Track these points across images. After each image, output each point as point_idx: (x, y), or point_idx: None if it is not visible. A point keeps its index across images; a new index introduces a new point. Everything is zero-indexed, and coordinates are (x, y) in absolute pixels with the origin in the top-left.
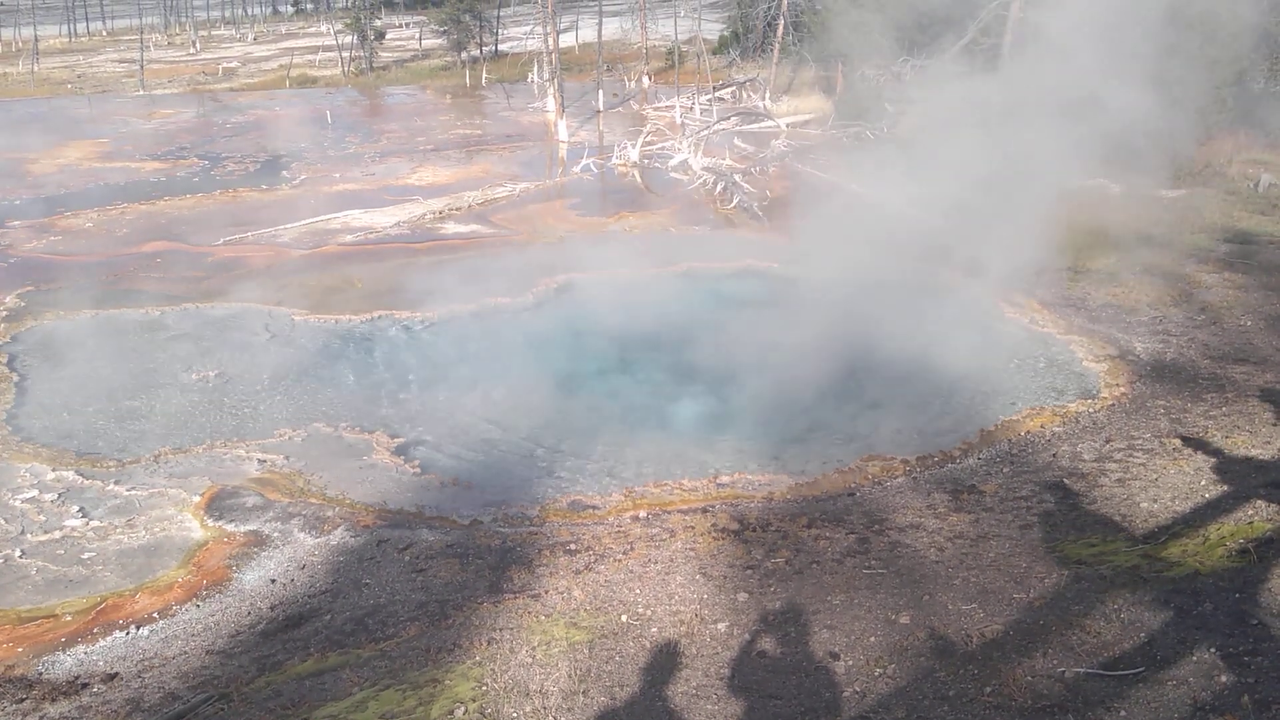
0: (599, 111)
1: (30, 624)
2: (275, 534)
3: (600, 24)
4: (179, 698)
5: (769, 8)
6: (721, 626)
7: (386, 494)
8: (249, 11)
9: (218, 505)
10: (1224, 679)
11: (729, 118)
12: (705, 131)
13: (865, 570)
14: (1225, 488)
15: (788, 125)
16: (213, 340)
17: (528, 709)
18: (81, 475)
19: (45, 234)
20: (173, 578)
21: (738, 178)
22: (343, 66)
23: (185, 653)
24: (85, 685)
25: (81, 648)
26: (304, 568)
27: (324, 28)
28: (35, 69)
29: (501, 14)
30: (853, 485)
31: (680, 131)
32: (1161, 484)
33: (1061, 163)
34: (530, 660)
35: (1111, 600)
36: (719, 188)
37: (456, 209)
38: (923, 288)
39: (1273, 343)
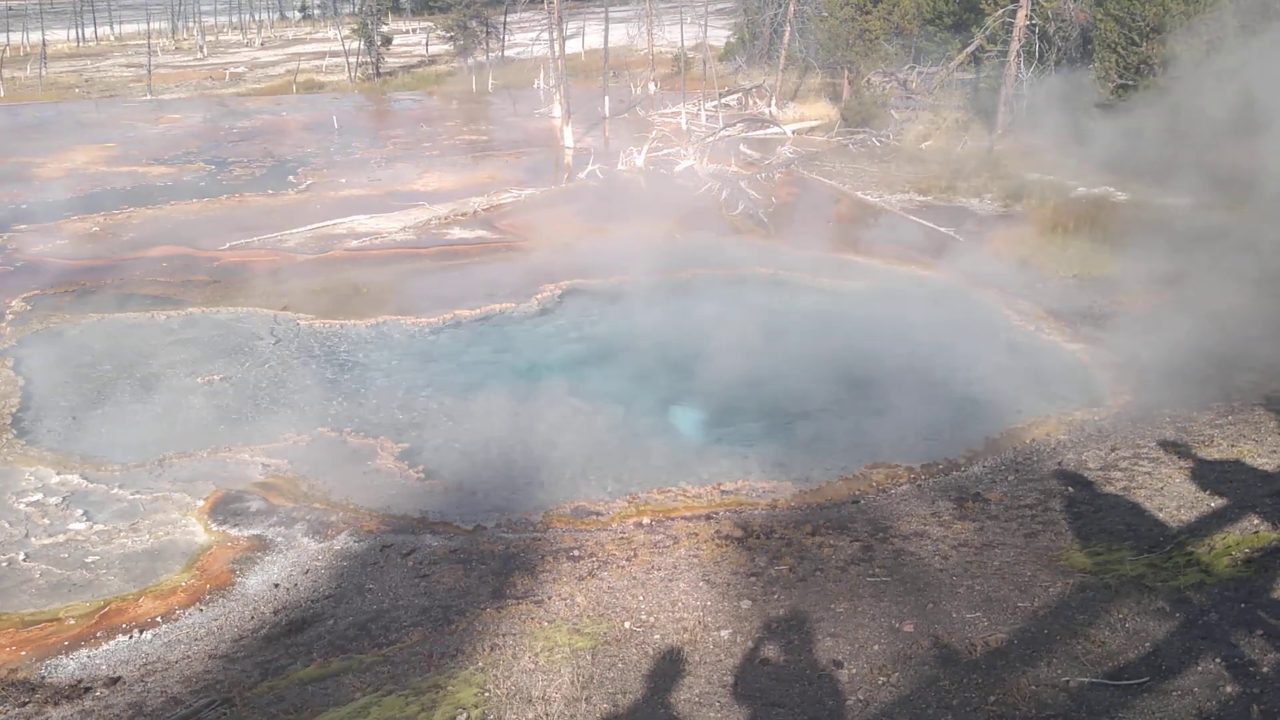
0: (605, 117)
1: (34, 627)
2: (279, 538)
3: (606, 30)
4: (181, 702)
5: (775, 14)
6: (725, 634)
7: (390, 499)
8: (256, 17)
9: (222, 509)
10: (1229, 689)
11: (735, 124)
12: (711, 138)
13: (869, 578)
14: (1230, 497)
15: (793, 132)
16: (218, 344)
17: (530, 715)
18: (86, 479)
19: (52, 238)
20: (176, 582)
21: (743, 184)
22: (349, 72)
23: (188, 657)
24: (88, 689)
25: (84, 651)
26: (307, 572)
27: (331, 33)
28: (43, 73)
29: (508, 20)
30: (857, 493)
31: (686, 138)
32: (1166, 493)
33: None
34: (533, 666)
35: (1116, 609)
36: (724, 194)
37: (462, 214)
38: (926, 293)
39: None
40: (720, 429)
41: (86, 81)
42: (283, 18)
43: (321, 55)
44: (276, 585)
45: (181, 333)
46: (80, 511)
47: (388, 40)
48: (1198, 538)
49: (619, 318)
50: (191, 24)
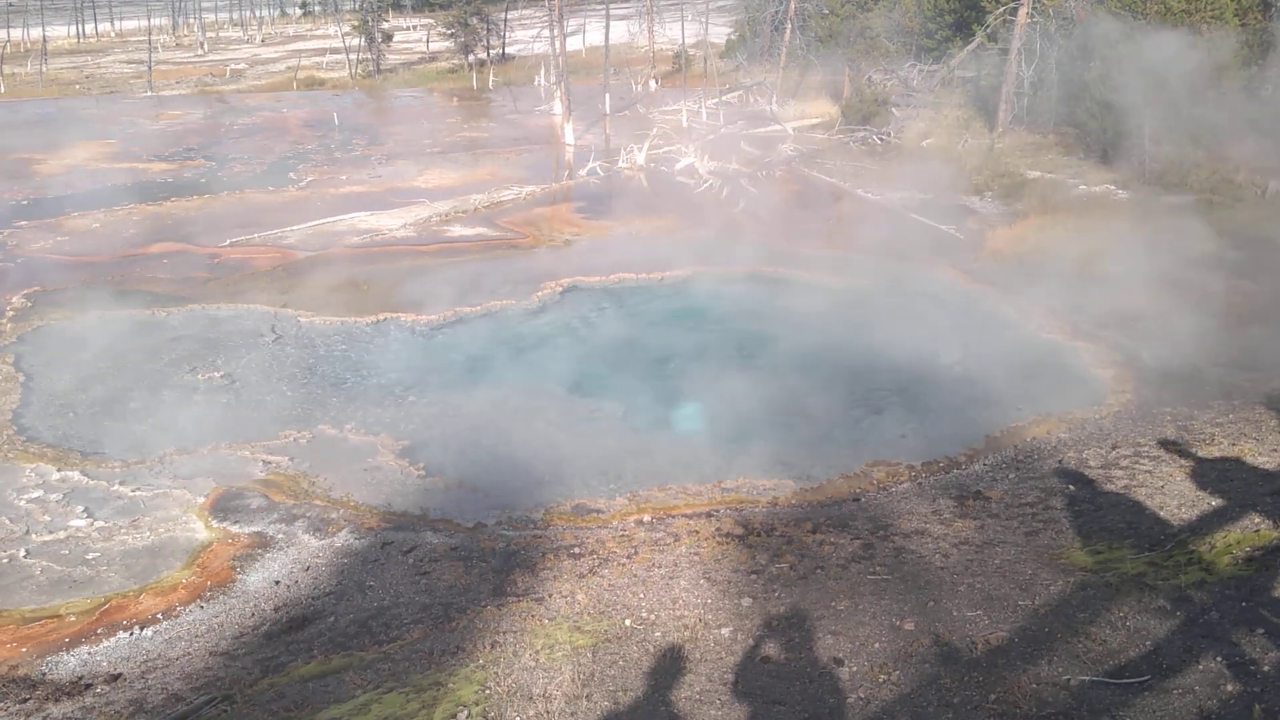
0: (606, 115)
1: (34, 624)
2: (280, 535)
3: (607, 27)
4: (182, 699)
5: (776, 11)
6: (725, 631)
7: (391, 496)
8: (257, 13)
9: (222, 506)
10: (1230, 688)
11: (736, 122)
12: (712, 135)
13: (870, 576)
14: (1231, 495)
15: (794, 129)
16: (218, 341)
17: (531, 713)
18: (87, 476)
19: (53, 234)
20: (177, 579)
21: (744, 182)
22: (350, 69)
23: (189, 654)
24: (89, 686)
25: (85, 648)
26: (308, 569)
27: (331, 30)
28: (44, 69)
29: (509, 17)
30: (858, 491)
31: (687, 135)
32: (1167, 491)
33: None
34: (534, 664)
35: (1117, 608)
36: (725, 191)
37: (463, 212)
38: (926, 291)
39: None
40: (720, 427)
41: (87, 78)
42: (283, 14)
43: (322, 52)
44: (277, 582)
45: (182, 329)
46: (81, 508)
47: (388, 37)
48: (1199, 536)
49: (620, 316)
50: (192, 20)
